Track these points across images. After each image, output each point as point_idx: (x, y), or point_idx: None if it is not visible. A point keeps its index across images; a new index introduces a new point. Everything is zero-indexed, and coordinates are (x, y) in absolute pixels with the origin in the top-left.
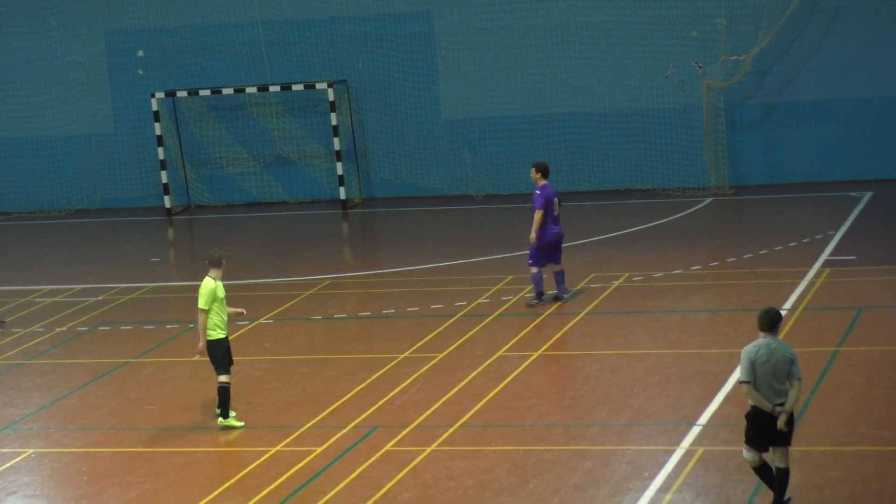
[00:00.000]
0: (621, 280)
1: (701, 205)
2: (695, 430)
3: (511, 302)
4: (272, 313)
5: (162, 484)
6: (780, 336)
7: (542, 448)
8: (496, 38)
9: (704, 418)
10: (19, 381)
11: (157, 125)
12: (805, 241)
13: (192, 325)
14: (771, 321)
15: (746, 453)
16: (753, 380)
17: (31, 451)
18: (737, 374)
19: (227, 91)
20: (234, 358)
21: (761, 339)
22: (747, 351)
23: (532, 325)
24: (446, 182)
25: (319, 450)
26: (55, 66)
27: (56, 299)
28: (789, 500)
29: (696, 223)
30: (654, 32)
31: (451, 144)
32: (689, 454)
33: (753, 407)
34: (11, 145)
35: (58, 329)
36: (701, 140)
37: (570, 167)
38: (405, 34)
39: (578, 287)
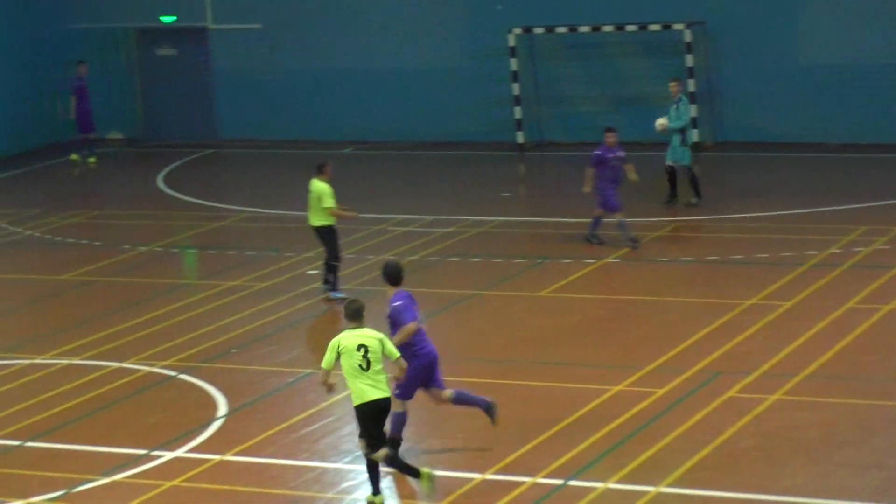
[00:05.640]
0: None
1: None
2: None
3: (863, 253)
4: (618, 254)
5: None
6: None
7: (889, 403)
8: None
9: None
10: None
11: (512, 61)
12: None
13: (539, 261)
14: None
15: None
16: None
17: None
18: None
19: (584, 29)
20: (579, 296)
21: None
22: None
23: (886, 277)
24: (801, 129)
25: (661, 392)
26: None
27: (408, 229)
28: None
29: None
30: None
31: (809, 90)
32: None
33: None
34: (368, 77)
35: (409, 258)
36: None
37: None
38: None
39: None
